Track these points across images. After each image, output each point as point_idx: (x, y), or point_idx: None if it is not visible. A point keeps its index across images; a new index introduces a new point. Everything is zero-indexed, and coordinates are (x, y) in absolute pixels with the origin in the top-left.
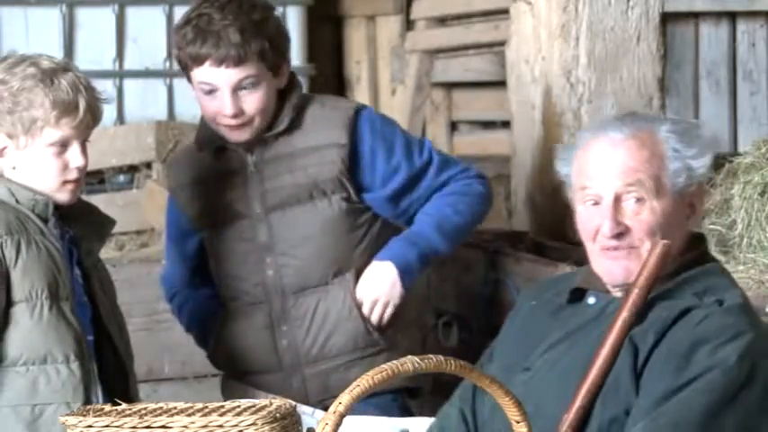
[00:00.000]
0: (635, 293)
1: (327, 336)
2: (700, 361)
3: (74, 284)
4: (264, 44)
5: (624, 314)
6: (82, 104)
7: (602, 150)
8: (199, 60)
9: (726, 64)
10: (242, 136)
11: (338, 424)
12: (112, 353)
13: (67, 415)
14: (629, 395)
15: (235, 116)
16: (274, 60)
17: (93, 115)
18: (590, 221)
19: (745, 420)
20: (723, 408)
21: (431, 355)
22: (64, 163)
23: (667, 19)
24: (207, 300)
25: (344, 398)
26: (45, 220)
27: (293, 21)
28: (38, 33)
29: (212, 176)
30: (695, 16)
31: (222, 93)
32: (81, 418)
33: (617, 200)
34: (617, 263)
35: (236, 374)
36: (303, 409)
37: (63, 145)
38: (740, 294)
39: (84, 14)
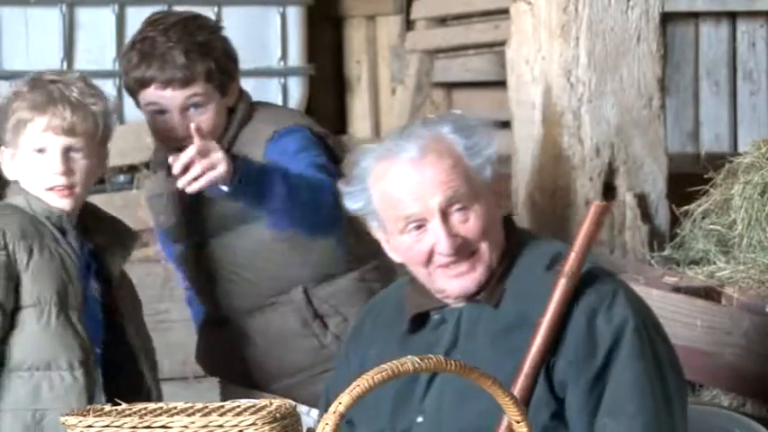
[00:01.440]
0: (572, 258)
1: (282, 353)
2: (602, 331)
3: (87, 297)
4: (210, 65)
5: (563, 280)
6: (56, 108)
7: (405, 173)
8: (144, 84)
9: (726, 64)
10: None
11: (338, 424)
12: (131, 370)
13: (68, 415)
14: (548, 397)
15: (185, 138)
16: (221, 80)
17: (73, 120)
18: (420, 245)
19: (675, 367)
20: (658, 367)
21: (431, 355)
22: (45, 168)
23: (667, 19)
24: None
25: (344, 398)
26: (62, 231)
27: (293, 21)
28: (38, 33)
29: (170, 194)
30: (695, 16)
31: (171, 115)
32: (81, 418)
33: (444, 215)
34: (465, 278)
35: (222, 381)
36: (302, 409)
37: (40, 150)
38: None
39: (84, 14)
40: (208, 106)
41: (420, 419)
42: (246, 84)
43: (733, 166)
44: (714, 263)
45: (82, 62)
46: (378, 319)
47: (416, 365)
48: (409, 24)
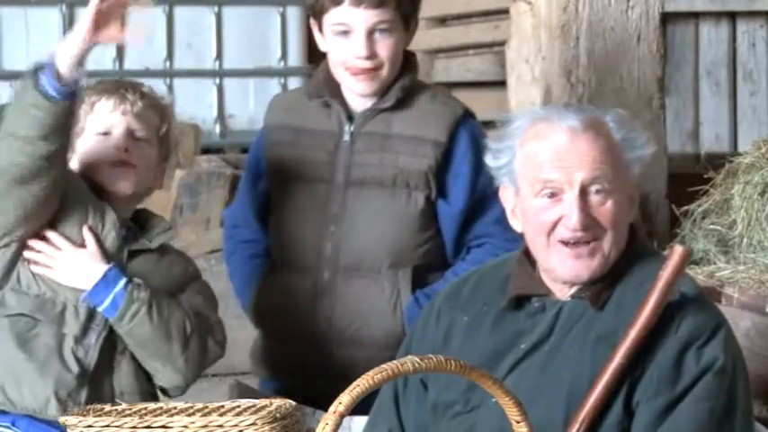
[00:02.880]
0: (655, 298)
1: (364, 323)
2: (689, 366)
3: None
4: None
5: (634, 331)
6: (127, 92)
7: (560, 139)
8: (337, 1)
9: (726, 64)
10: (369, 86)
11: (338, 424)
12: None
13: (67, 415)
14: (622, 414)
15: (368, 58)
16: (409, 12)
17: (141, 105)
18: (547, 214)
19: (746, 419)
20: (728, 412)
21: (431, 355)
22: (108, 147)
23: (667, 19)
24: (250, 259)
25: (344, 398)
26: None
27: (293, 21)
28: (38, 33)
29: (306, 131)
30: (695, 16)
31: (357, 35)
32: (81, 418)
33: (582, 192)
34: (581, 263)
35: (272, 333)
36: (303, 410)
37: (106, 132)
38: (691, 279)
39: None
40: (393, 33)
41: (494, 400)
42: (246, 84)
43: (733, 166)
44: (714, 263)
45: None
46: (479, 286)
47: (416, 366)
48: None
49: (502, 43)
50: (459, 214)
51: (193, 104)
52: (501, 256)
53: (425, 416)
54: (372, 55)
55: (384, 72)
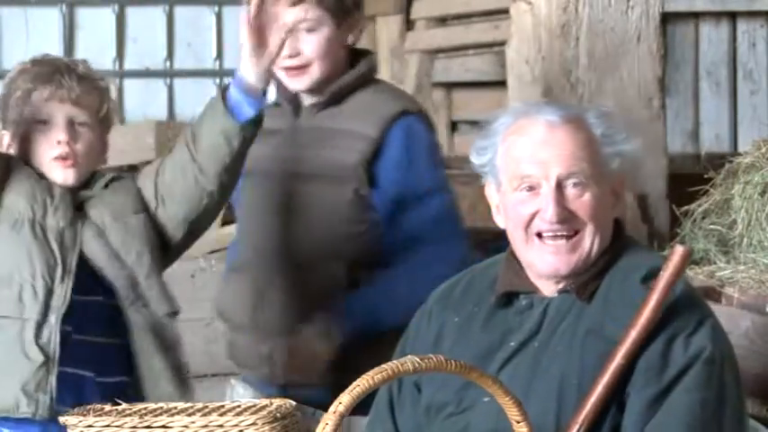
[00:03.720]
0: (656, 298)
1: (303, 313)
2: (677, 355)
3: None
4: None
5: (633, 333)
6: (63, 78)
7: (538, 134)
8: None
9: (726, 64)
10: (300, 83)
11: (338, 424)
12: None
13: (67, 414)
14: (614, 410)
15: (291, 56)
16: (338, 7)
17: (79, 91)
18: (525, 207)
19: (737, 410)
20: (720, 402)
21: (431, 355)
22: (49, 138)
23: (667, 19)
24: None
25: (344, 398)
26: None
27: None
28: (38, 33)
29: (269, 131)
30: (695, 16)
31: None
32: (81, 418)
33: (558, 186)
34: (560, 258)
35: (232, 326)
36: (304, 410)
37: (44, 121)
38: (683, 277)
39: (84, 14)
40: (317, 31)
41: (486, 399)
42: None
43: (733, 166)
44: (714, 263)
45: None
46: (470, 287)
47: (416, 365)
48: (409, 24)
49: (502, 43)
50: (390, 202)
51: (193, 104)
52: (497, 256)
53: (420, 418)
54: (296, 53)
55: (314, 69)
